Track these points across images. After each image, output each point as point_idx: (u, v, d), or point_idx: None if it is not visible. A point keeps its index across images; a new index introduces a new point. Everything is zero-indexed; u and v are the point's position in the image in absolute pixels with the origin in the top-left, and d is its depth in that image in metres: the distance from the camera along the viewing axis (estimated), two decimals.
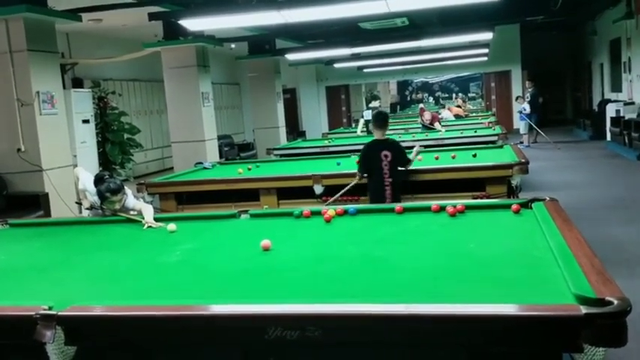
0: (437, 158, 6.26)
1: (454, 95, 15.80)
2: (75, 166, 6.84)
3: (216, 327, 1.91)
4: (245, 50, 13.26)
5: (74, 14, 7.15)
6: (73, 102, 9.56)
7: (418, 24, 11.68)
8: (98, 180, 4.02)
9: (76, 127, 9.61)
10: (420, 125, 11.10)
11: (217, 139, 10.59)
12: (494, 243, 2.74)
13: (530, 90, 14.84)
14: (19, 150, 6.61)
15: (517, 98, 15.36)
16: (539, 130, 13.81)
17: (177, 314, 1.91)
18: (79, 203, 4.49)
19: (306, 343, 1.80)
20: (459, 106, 15.75)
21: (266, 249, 2.77)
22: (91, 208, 4.31)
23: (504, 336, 1.71)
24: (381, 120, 5.03)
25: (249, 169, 6.58)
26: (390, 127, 11.50)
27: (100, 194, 3.96)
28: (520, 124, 14.66)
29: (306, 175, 5.47)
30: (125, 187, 4.09)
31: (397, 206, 3.52)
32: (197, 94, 9.63)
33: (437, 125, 10.53)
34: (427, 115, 10.92)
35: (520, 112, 14.42)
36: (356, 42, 11.75)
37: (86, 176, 4.30)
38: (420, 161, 5.60)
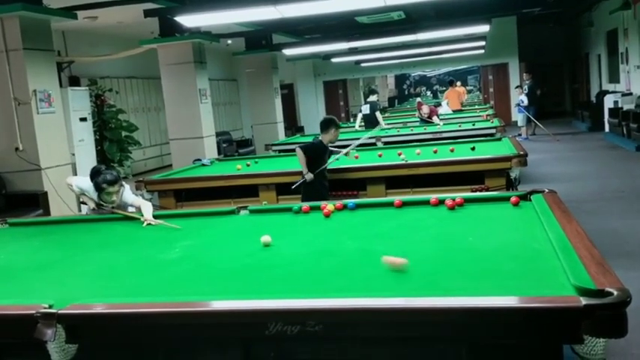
0: (435, 152, 6.26)
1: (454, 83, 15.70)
2: (74, 169, 6.82)
3: (216, 323, 1.91)
4: (242, 46, 13.24)
5: (69, 12, 7.13)
6: (70, 100, 9.55)
7: (414, 17, 11.66)
8: (94, 173, 4.00)
9: (73, 126, 9.60)
10: (418, 119, 11.10)
11: (215, 136, 10.58)
12: (493, 236, 2.74)
13: (527, 82, 14.83)
14: (17, 149, 6.60)
15: (517, 87, 15.33)
16: (538, 123, 13.81)
17: (177, 311, 1.91)
18: (84, 202, 4.41)
19: (306, 337, 1.80)
20: (453, 85, 15.78)
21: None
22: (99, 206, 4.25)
23: (504, 328, 1.72)
24: (320, 124, 5.35)
25: (248, 166, 6.58)
26: (389, 121, 11.64)
27: (97, 186, 3.94)
28: (518, 117, 14.65)
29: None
30: (123, 182, 4.08)
31: (396, 200, 3.52)
32: (194, 90, 9.61)
33: (435, 119, 10.54)
34: (425, 109, 10.93)
35: (518, 105, 14.41)
36: (353, 36, 11.73)
37: (79, 179, 4.28)
38: (356, 159, 6.02)
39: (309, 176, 5.08)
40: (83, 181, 4.19)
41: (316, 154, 5.19)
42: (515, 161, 5.02)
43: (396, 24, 11.66)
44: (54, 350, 1.93)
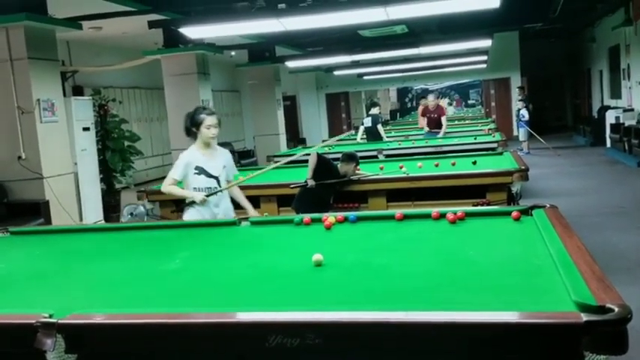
0: (437, 165, 6.27)
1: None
2: (76, 179, 6.83)
3: (216, 335, 1.91)
4: (245, 58, 13.30)
5: (74, 22, 7.18)
6: (73, 109, 9.55)
7: (417, 31, 11.73)
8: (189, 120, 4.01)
9: (76, 135, 9.59)
10: (422, 129, 10.93)
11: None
12: (494, 250, 2.73)
13: (520, 98, 14.91)
14: (19, 158, 6.62)
15: (520, 100, 15.33)
16: (538, 136, 13.83)
17: (177, 322, 1.91)
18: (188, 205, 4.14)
19: (306, 350, 1.79)
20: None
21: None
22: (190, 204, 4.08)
23: (504, 344, 1.71)
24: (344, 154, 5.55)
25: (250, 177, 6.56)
26: (390, 135, 11.64)
27: (194, 121, 3.88)
28: (519, 131, 14.69)
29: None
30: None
31: (397, 213, 3.52)
32: (197, 101, 9.63)
33: (443, 120, 10.35)
34: (432, 105, 10.60)
35: (519, 120, 14.45)
36: (355, 49, 11.79)
37: (173, 171, 4.18)
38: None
39: (311, 182, 5.14)
40: (177, 163, 4.06)
41: (326, 170, 5.25)
42: (516, 176, 5.02)
43: (399, 38, 11.71)
44: None
